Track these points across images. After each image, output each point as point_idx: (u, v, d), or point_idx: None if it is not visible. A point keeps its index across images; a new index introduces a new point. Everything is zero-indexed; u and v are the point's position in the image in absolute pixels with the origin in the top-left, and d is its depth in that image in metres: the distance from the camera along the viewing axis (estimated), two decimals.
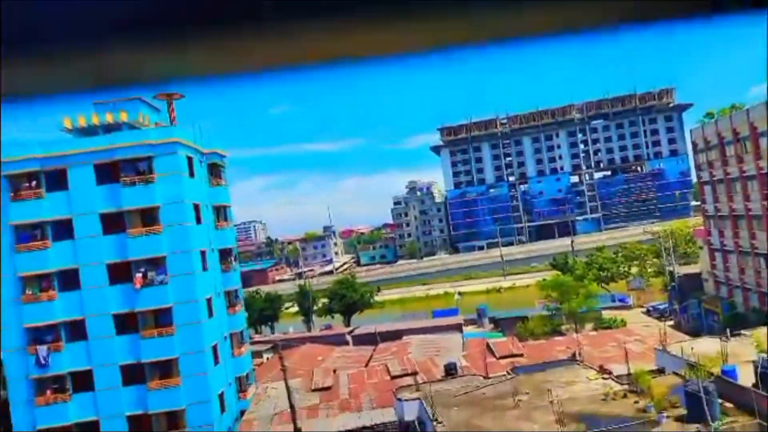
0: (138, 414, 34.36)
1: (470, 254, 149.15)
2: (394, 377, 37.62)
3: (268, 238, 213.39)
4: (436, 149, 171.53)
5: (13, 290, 34.47)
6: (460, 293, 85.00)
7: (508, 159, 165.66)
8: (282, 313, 78.05)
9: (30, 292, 34.44)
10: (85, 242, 34.87)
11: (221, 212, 42.36)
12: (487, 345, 41.86)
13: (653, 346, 33.14)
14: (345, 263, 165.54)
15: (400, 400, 28.76)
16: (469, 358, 39.70)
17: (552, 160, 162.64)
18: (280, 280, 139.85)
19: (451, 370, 33.89)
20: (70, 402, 34.30)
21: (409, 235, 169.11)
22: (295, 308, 79.83)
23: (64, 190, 35.10)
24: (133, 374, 34.60)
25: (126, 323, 34.86)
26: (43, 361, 33.80)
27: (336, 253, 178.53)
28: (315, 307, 75.99)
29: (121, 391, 34.53)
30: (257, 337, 65.62)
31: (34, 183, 34.90)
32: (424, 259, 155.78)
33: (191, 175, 37.61)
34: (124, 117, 37.33)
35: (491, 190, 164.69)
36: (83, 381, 34.56)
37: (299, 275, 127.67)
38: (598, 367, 29.64)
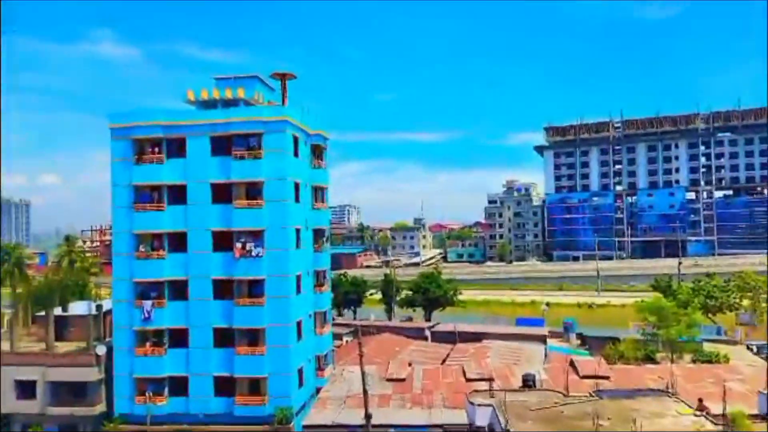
0: (224, 375, 36.53)
1: (564, 264, 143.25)
2: (469, 380, 37.05)
3: (360, 223, 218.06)
4: (540, 149, 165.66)
5: (128, 246, 37.76)
6: (548, 303, 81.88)
7: (618, 167, 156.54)
8: (366, 298, 79.42)
9: (143, 249, 37.53)
10: (195, 208, 37.34)
11: (319, 193, 43.62)
12: (571, 362, 39.98)
13: (757, 388, 30.04)
14: (432, 257, 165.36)
15: (472, 404, 28.24)
16: (550, 372, 38.18)
17: (667, 172, 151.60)
18: (368, 266, 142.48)
19: (529, 382, 32.76)
20: (166, 356, 37.13)
21: (501, 236, 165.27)
22: (379, 296, 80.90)
23: (182, 157, 37.74)
24: (224, 338, 36.78)
25: (223, 289, 37.03)
26: (147, 315, 36.81)
27: (424, 246, 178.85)
28: (398, 298, 76.57)
29: (211, 352, 36.85)
30: (339, 319, 67.35)
31: (156, 149, 37.85)
32: (514, 263, 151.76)
33: (295, 154, 39.02)
34: (241, 93, 39.40)
35: (595, 199, 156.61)
36: (179, 338, 37.26)
37: (386, 263, 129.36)
38: (697, 401, 27.33)
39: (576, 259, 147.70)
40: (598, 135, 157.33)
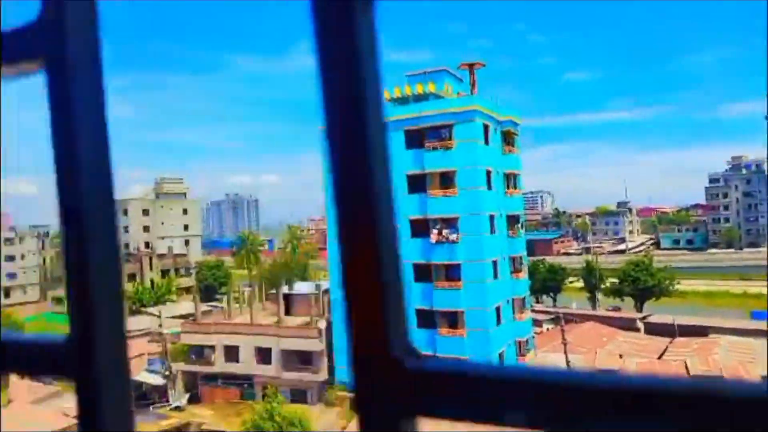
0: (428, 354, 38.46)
1: None
2: (693, 377, 33.45)
3: (556, 209, 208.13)
4: None
5: None
6: None
7: None
8: (565, 286, 76.04)
9: None
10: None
11: (511, 179, 43.08)
12: None
13: None
14: (641, 244, 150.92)
15: None
16: None
17: None
18: (565, 253, 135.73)
19: None
20: None
21: (727, 219, 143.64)
22: (580, 284, 76.73)
23: None
24: (426, 319, 38.69)
25: (422, 273, 38.97)
26: None
27: (630, 232, 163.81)
28: (602, 286, 71.88)
29: (414, 333, 39.07)
30: (538, 307, 65.60)
31: None
32: (745, 249, 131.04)
33: (486, 142, 39.10)
34: (431, 87, 40.76)
35: None
36: None
37: (587, 250, 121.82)
38: None
39: None
40: None
